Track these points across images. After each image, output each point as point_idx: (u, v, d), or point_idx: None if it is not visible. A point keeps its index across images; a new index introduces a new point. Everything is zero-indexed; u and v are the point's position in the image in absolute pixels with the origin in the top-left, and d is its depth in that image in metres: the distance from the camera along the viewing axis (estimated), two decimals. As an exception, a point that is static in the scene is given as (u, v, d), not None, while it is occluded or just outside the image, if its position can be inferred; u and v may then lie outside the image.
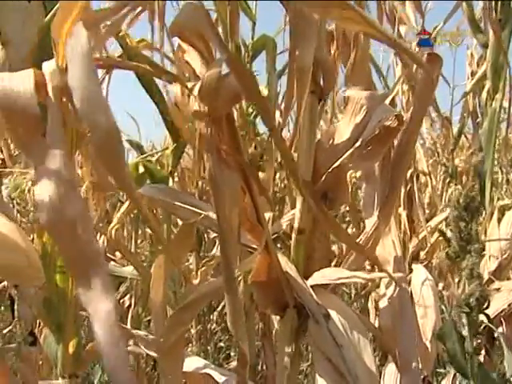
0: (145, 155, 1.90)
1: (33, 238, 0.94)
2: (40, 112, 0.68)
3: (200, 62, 0.88)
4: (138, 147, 2.10)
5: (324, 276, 0.92)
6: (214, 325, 2.92)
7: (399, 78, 1.25)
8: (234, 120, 0.77)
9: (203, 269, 1.95)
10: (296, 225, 0.94)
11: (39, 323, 1.45)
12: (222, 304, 2.96)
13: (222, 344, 2.84)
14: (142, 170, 1.73)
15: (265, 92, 1.60)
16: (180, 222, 2.28)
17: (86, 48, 0.64)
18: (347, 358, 0.86)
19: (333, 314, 0.90)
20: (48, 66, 0.71)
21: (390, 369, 1.19)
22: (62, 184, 0.62)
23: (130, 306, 2.50)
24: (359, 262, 0.95)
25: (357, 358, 0.87)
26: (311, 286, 0.91)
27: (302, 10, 0.85)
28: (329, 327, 0.88)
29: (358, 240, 0.95)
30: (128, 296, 2.55)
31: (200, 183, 2.34)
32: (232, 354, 2.75)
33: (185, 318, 1.01)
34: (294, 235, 0.95)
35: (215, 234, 2.52)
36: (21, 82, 0.67)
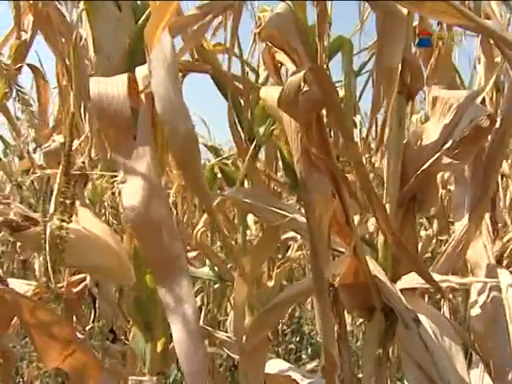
0: (220, 158, 1.92)
1: (123, 239, 0.96)
2: (131, 116, 0.70)
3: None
4: (213, 150, 2.13)
5: (413, 279, 0.90)
6: (284, 326, 2.92)
7: (490, 76, 1.21)
8: (323, 122, 0.76)
9: (277, 271, 1.95)
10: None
11: (128, 321, 1.49)
12: (292, 306, 2.96)
13: (292, 346, 2.84)
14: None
15: (341, 93, 1.59)
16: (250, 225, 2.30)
17: (170, 56, 0.65)
18: (439, 364, 0.84)
19: (422, 318, 0.88)
20: (141, 72, 0.73)
21: (473, 376, 1.16)
22: (149, 187, 0.64)
23: (201, 306, 2.53)
24: (449, 265, 0.92)
25: (449, 365, 0.85)
26: (400, 290, 0.90)
27: (391, 8, 0.84)
28: (419, 332, 0.86)
29: (447, 244, 0.93)
30: (200, 296, 2.59)
31: (272, 185, 2.35)
32: (303, 356, 2.74)
33: (269, 321, 1.01)
34: (381, 238, 0.93)
35: (287, 236, 2.52)
36: (115, 87, 0.69)
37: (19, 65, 1.03)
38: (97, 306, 1.95)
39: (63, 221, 0.82)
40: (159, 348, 1.01)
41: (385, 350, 0.95)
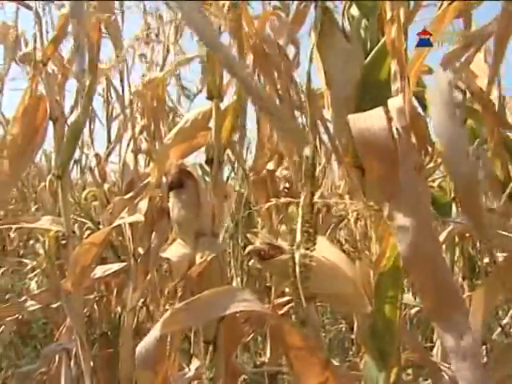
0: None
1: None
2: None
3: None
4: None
5: None
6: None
7: None
8: None
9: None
10: None
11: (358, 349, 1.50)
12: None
13: None
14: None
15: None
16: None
17: (447, 94, 0.65)
18: None
19: None
20: (394, 103, 0.74)
21: None
22: (418, 222, 0.63)
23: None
24: None
25: None
26: None
27: None
28: None
29: None
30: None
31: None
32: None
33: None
34: None
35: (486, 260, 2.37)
36: (375, 121, 0.71)
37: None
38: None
39: (307, 249, 0.86)
40: (392, 378, 1.00)
41: None
